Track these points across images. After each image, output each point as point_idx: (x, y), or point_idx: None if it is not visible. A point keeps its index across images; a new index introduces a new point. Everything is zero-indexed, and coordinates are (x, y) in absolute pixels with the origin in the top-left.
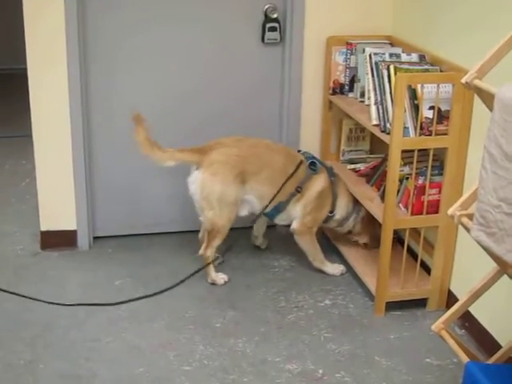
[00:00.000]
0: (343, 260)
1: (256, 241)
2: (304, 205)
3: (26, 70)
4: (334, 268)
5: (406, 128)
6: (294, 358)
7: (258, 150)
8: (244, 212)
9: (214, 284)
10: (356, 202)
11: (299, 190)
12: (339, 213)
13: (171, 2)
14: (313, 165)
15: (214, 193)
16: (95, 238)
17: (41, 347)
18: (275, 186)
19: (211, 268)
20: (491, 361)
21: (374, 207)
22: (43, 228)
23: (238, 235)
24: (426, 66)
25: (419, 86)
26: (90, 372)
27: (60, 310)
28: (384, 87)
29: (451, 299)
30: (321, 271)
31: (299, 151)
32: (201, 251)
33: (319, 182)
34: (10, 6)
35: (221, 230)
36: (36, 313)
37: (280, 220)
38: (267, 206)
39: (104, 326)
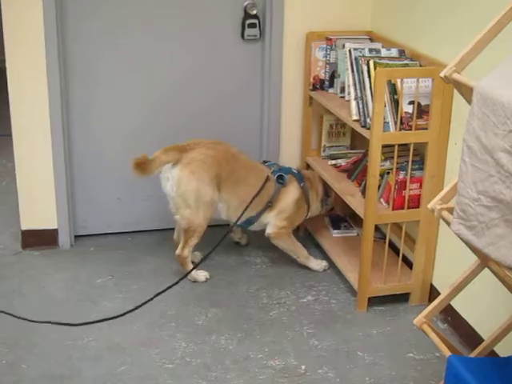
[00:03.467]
0: (325, 255)
1: (235, 236)
2: (277, 213)
3: (4, 68)
4: (318, 264)
5: (386, 123)
6: (277, 354)
7: (229, 158)
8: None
9: (195, 281)
10: (324, 195)
11: (270, 204)
12: (312, 213)
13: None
14: (281, 178)
15: (191, 191)
16: (76, 236)
17: (23, 347)
18: (243, 201)
19: (189, 266)
20: (473, 354)
21: (356, 202)
22: (24, 227)
23: (218, 232)
24: (405, 61)
25: (399, 80)
26: (72, 371)
27: (42, 309)
28: (364, 82)
29: (433, 294)
30: (304, 267)
31: (264, 162)
32: (178, 251)
33: (291, 193)
34: None
35: (197, 229)
36: (16, 310)
37: (253, 228)
38: (238, 219)
39: (86, 324)
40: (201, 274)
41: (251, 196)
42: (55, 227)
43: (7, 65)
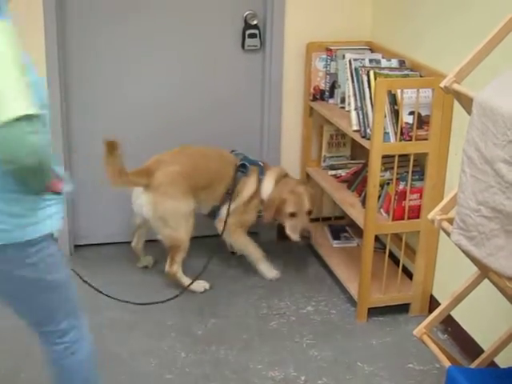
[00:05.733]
0: (325, 265)
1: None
2: (233, 207)
3: None
4: (269, 270)
5: (386, 133)
6: (277, 364)
7: (196, 162)
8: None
9: (194, 292)
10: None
11: (229, 192)
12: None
13: (151, 8)
14: (243, 167)
15: (168, 211)
16: (76, 246)
17: (22, 356)
18: (214, 192)
19: (184, 279)
20: (473, 365)
21: (356, 213)
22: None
23: (218, 242)
24: (405, 72)
25: (399, 91)
26: None
27: None
28: (364, 93)
29: (433, 304)
30: (304, 278)
31: (233, 151)
32: (166, 268)
33: (250, 186)
34: None
35: (181, 245)
36: (16, 321)
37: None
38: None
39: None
40: (200, 285)
41: (224, 189)
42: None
43: None
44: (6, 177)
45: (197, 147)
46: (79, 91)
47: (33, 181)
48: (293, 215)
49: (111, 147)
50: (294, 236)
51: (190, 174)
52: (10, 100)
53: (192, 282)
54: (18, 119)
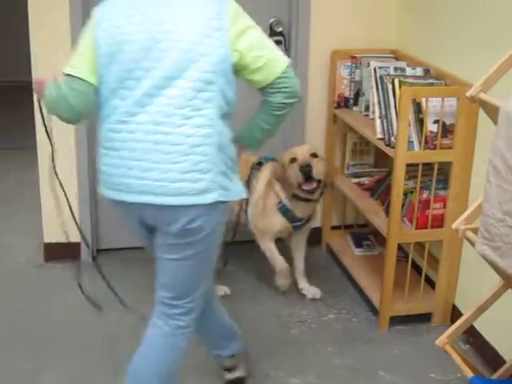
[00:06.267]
0: (347, 273)
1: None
2: (254, 205)
3: (30, 82)
4: (282, 284)
5: (410, 142)
6: (298, 372)
7: None
8: None
9: None
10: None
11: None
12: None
13: None
14: (259, 164)
15: None
16: (99, 250)
17: (43, 357)
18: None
19: None
20: (495, 376)
21: (379, 221)
22: (47, 240)
23: (241, 247)
24: (430, 80)
25: (424, 99)
26: (93, 380)
27: (61, 320)
28: (389, 101)
29: (456, 314)
30: (323, 285)
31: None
32: None
33: (262, 178)
34: (16, 20)
35: None
36: (37, 322)
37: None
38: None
39: (106, 334)
40: (220, 289)
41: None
42: (78, 241)
43: (33, 73)
44: (229, 143)
45: None
46: None
47: (283, 120)
48: (293, 160)
49: None
50: (297, 179)
51: None
52: (281, 53)
53: None
54: (289, 64)
